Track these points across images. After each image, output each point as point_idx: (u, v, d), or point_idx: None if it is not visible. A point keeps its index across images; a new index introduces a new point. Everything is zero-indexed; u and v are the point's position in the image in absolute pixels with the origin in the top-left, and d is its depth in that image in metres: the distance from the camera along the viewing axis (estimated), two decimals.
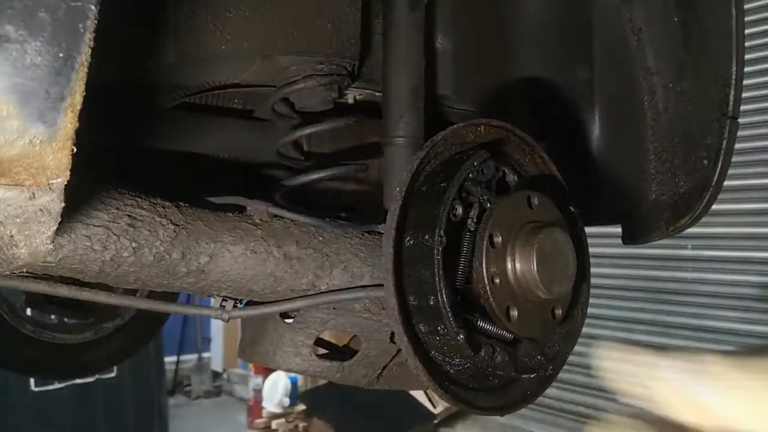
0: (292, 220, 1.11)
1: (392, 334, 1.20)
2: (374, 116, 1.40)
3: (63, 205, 0.70)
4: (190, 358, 8.46)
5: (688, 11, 1.32)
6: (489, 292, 0.96)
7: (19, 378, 4.35)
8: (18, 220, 0.68)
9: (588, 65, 1.51)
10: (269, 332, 1.22)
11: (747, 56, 1.25)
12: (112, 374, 5.05)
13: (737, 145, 1.26)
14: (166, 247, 0.97)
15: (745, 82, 1.25)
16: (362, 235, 1.15)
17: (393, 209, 0.97)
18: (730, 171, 1.27)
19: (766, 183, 4.59)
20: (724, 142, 1.25)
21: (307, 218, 1.12)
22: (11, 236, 0.70)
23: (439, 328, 0.93)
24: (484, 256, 0.96)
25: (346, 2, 1.27)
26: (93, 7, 0.65)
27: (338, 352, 1.34)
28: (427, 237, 0.94)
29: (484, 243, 0.96)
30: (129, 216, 0.94)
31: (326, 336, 1.30)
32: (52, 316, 2.49)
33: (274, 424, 6.25)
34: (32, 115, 0.63)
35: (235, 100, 1.56)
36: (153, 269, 0.98)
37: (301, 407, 6.31)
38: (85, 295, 1.02)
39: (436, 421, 5.93)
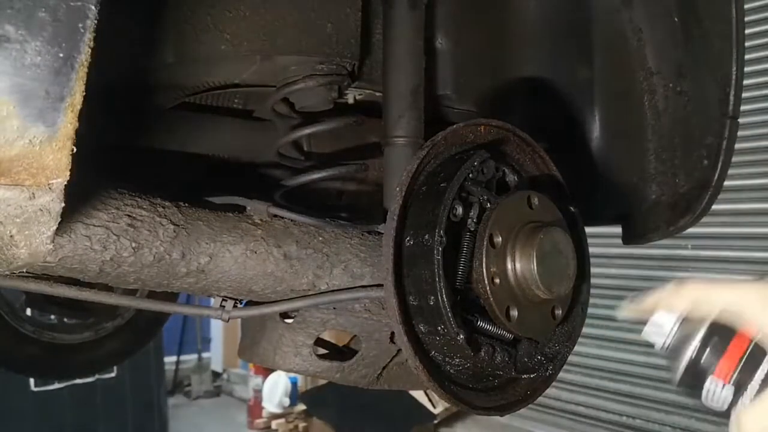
0: (292, 220, 1.11)
1: (392, 334, 1.20)
2: (374, 116, 1.40)
3: (63, 205, 0.70)
4: (190, 358, 8.45)
5: (688, 11, 1.32)
6: (489, 292, 0.96)
7: (19, 378, 4.34)
8: (18, 220, 0.68)
9: (588, 65, 1.51)
10: (269, 332, 1.22)
11: (747, 56, 1.25)
12: (112, 374, 5.04)
13: (737, 145, 1.26)
14: (166, 247, 0.97)
15: (745, 82, 1.25)
16: (362, 235, 1.15)
17: (393, 209, 0.97)
18: (730, 171, 1.27)
19: (766, 183, 4.59)
20: (724, 142, 1.25)
21: (307, 218, 1.12)
22: (11, 236, 0.70)
23: (439, 328, 0.93)
24: (484, 256, 0.96)
25: (346, 2, 1.27)
26: (93, 7, 0.65)
27: (338, 352, 1.34)
28: (427, 237, 0.94)
29: (484, 243, 0.96)
30: (129, 216, 0.94)
31: (326, 336, 1.30)
32: (52, 316, 2.49)
33: (274, 425, 6.24)
34: (32, 115, 0.63)
35: (235, 100, 1.56)
36: (153, 269, 0.98)
37: (301, 407, 6.30)
38: (85, 295, 1.02)
39: (436, 421, 5.92)
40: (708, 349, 0.76)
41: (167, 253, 0.97)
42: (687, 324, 0.78)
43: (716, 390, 0.76)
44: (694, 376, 0.77)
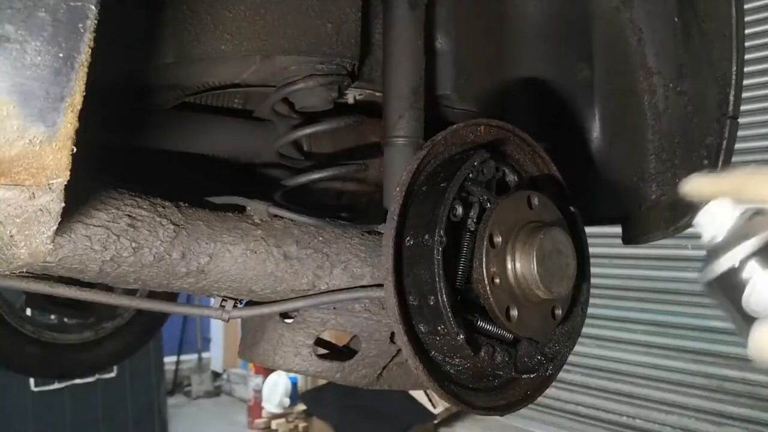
0: (292, 220, 1.11)
1: (392, 334, 1.20)
2: (374, 116, 1.40)
3: (63, 205, 0.70)
4: (190, 358, 8.45)
5: (688, 11, 1.32)
6: (489, 292, 0.96)
7: (19, 378, 4.35)
8: (18, 220, 0.68)
9: (588, 65, 1.51)
10: (269, 332, 1.22)
11: (747, 56, 1.25)
12: (112, 374, 5.05)
13: (737, 145, 1.26)
14: (166, 247, 0.97)
15: (745, 82, 1.25)
16: (362, 235, 1.15)
17: (393, 209, 0.97)
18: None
19: None
20: (724, 142, 1.25)
21: (307, 218, 1.12)
22: (11, 236, 0.70)
23: (439, 328, 0.93)
24: (484, 256, 0.96)
25: (346, 2, 1.27)
26: (93, 7, 0.64)
27: (338, 352, 1.34)
28: (427, 237, 0.94)
29: (484, 243, 0.96)
30: (129, 216, 0.94)
31: (326, 336, 1.30)
32: (52, 316, 2.49)
33: (274, 425, 6.24)
34: (32, 115, 0.63)
35: (235, 100, 1.56)
36: (153, 269, 0.98)
37: (301, 407, 6.30)
38: (85, 295, 1.02)
39: (436, 421, 5.93)
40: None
41: (167, 253, 0.97)
42: (755, 222, 0.68)
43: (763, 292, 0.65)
44: (734, 280, 0.67)
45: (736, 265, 0.67)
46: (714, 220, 0.70)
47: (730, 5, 1.23)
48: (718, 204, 0.71)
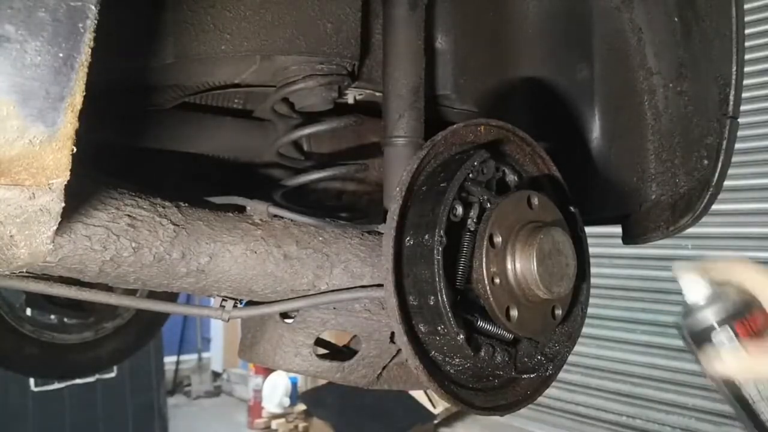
0: (292, 220, 1.11)
1: (392, 334, 1.20)
2: (374, 116, 1.40)
3: (63, 205, 0.70)
4: (190, 358, 8.45)
5: (688, 11, 1.32)
6: (489, 292, 0.96)
7: (19, 378, 4.34)
8: (18, 220, 0.68)
9: (588, 65, 1.51)
10: (269, 332, 1.22)
11: (747, 56, 1.25)
12: (112, 374, 5.05)
13: (737, 145, 1.26)
14: (166, 247, 0.97)
15: (745, 82, 1.25)
16: (362, 235, 1.15)
17: (393, 209, 0.97)
18: (730, 171, 1.27)
19: (766, 183, 4.58)
20: (724, 142, 1.25)
21: (307, 218, 1.12)
22: (11, 236, 0.70)
23: (439, 328, 0.93)
24: (484, 256, 0.96)
25: (346, 2, 1.27)
26: (93, 7, 0.64)
27: (338, 352, 1.34)
28: (427, 237, 0.94)
29: (484, 243, 0.96)
30: (129, 216, 0.94)
31: (326, 336, 1.30)
32: (52, 316, 2.49)
33: (274, 424, 6.24)
34: (32, 115, 0.63)
35: (235, 100, 1.56)
36: (153, 269, 0.98)
37: (301, 407, 6.30)
38: (85, 295, 1.02)
39: (436, 421, 5.93)
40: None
41: (167, 253, 0.97)
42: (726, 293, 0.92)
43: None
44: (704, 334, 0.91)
45: (708, 325, 0.91)
46: (695, 287, 0.94)
47: (730, 5, 1.23)
48: (699, 279, 0.95)
